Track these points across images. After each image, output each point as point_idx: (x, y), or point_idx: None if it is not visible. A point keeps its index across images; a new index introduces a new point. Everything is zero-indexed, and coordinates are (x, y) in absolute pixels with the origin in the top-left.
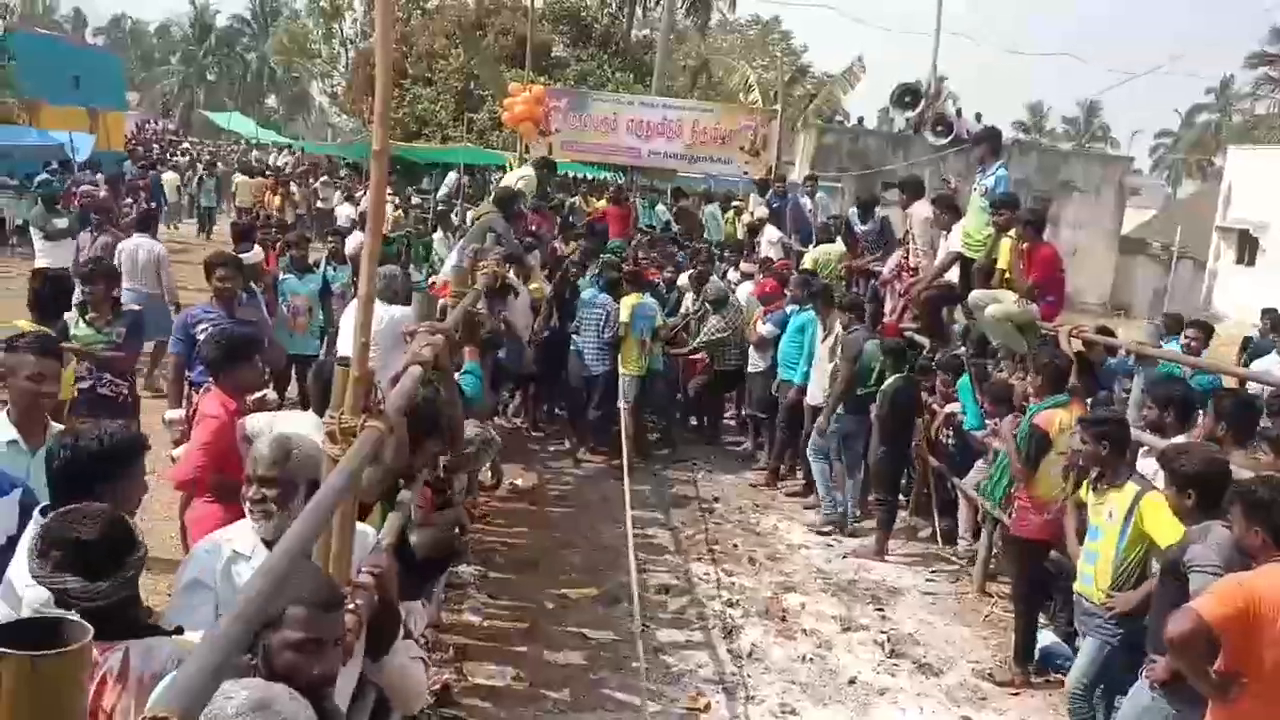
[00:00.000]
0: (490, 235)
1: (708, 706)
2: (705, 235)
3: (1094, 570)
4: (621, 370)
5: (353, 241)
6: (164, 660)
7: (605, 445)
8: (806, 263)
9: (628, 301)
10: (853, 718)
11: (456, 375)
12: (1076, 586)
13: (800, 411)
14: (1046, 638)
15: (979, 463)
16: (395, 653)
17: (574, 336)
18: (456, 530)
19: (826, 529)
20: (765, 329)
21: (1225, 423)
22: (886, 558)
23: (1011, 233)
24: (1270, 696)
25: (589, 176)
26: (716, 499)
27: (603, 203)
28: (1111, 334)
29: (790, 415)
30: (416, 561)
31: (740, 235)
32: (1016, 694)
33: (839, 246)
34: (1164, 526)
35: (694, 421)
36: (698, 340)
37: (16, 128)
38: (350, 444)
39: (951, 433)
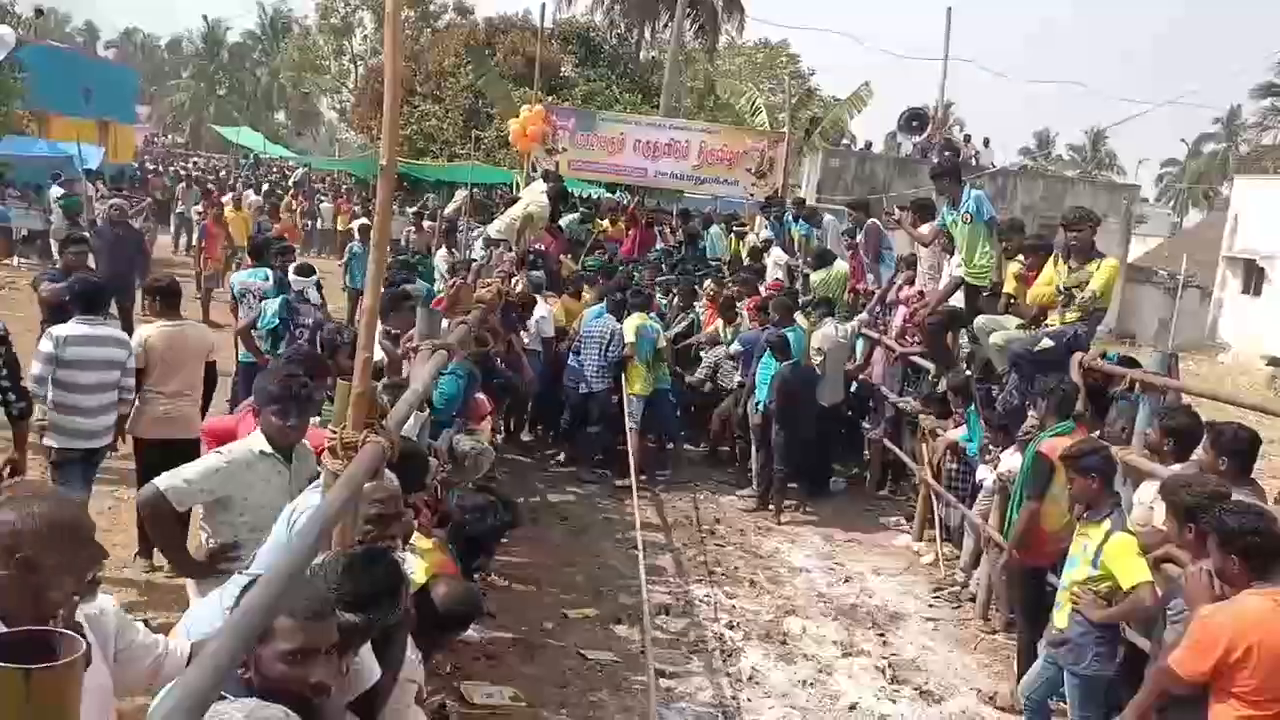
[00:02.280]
0: (494, 250)
1: None
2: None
3: (1065, 599)
4: (627, 392)
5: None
6: None
7: (599, 464)
8: (813, 283)
9: (632, 323)
10: None
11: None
12: (1054, 616)
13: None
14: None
15: (982, 492)
16: (403, 713)
17: (571, 355)
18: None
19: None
20: (734, 347)
21: (1225, 457)
22: (886, 580)
23: (1018, 258)
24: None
25: (594, 196)
26: (718, 520)
27: (606, 223)
28: (1136, 363)
29: (762, 435)
30: (438, 614)
31: (744, 256)
32: None
33: (840, 267)
34: (1127, 567)
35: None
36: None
37: (26, 139)
38: (351, 459)
39: (956, 460)
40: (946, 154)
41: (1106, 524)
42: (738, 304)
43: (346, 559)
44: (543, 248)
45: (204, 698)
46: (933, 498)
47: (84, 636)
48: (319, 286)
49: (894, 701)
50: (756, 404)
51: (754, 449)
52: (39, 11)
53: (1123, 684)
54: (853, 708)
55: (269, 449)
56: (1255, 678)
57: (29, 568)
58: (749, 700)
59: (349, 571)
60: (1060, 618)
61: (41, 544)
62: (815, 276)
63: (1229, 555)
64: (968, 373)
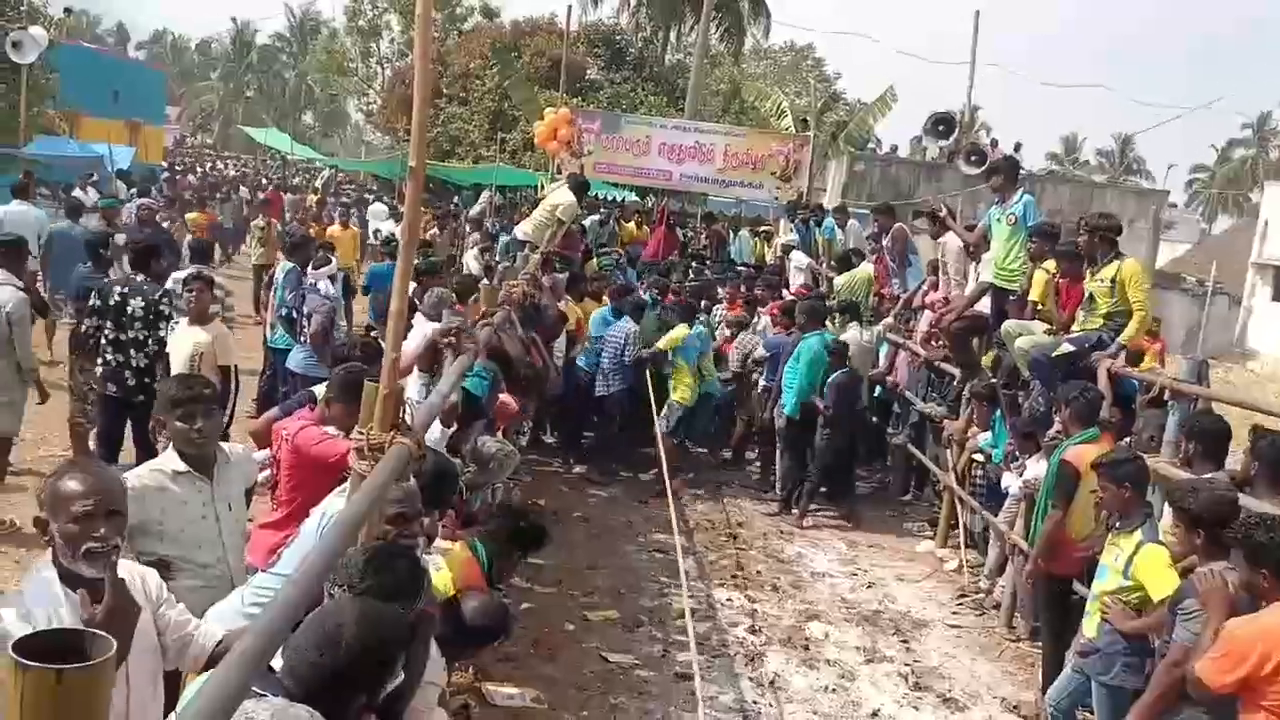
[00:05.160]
0: (521, 255)
1: None
2: (731, 257)
3: (1094, 608)
4: (671, 397)
5: None
6: None
7: (616, 468)
8: (837, 285)
9: (674, 337)
10: None
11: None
12: (1083, 625)
13: (797, 435)
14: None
15: (1008, 499)
16: (426, 714)
17: (584, 356)
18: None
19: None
20: (759, 351)
21: (1260, 464)
22: (909, 586)
23: (1047, 264)
24: None
25: (618, 199)
26: (740, 524)
27: (632, 225)
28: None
29: (789, 439)
30: (467, 626)
31: (770, 259)
32: None
33: (865, 270)
34: (1158, 579)
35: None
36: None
37: (57, 139)
38: (378, 460)
39: (981, 467)
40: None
41: (1138, 534)
42: (760, 308)
43: (367, 553)
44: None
45: (233, 696)
46: (956, 504)
47: (130, 593)
48: (336, 280)
49: (917, 709)
50: (782, 408)
51: (779, 453)
52: (68, 10)
53: None
54: (875, 714)
55: (182, 465)
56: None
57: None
58: (771, 705)
59: (370, 566)
60: (1089, 627)
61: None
62: (839, 279)
63: (1258, 570)
64: (993, 380)
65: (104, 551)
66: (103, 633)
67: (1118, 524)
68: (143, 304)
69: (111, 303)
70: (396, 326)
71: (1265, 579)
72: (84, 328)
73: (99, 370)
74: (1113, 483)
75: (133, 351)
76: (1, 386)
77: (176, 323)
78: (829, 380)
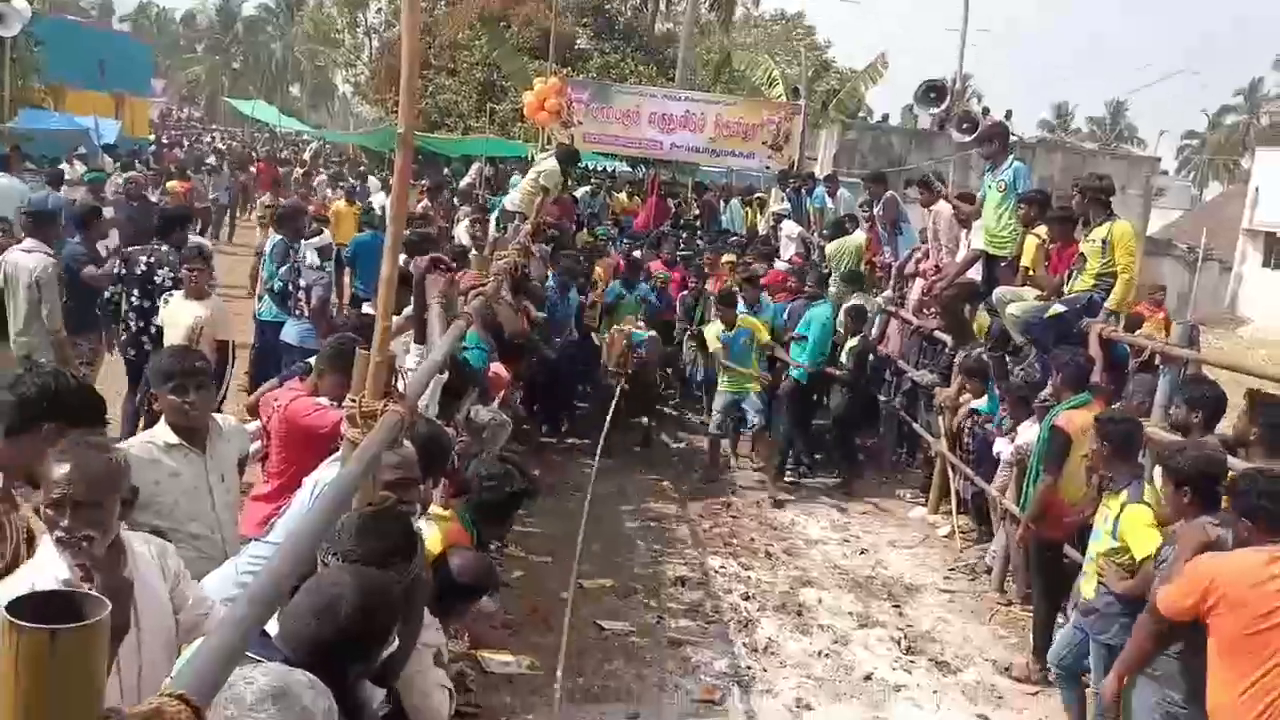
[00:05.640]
0: (511, 226)
1: (722, 698)
2: (723, 228)
3: (1091, 570)
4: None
5: None
6: None
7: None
8: (829, 253)
9: (710, 331)
10: (868, 714)
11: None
12: (1081, 586)
13: (800, 402)
14: None
15: (1001, 465)
16: (423, 675)
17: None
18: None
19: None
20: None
21: (1261, 429)
22: (901, 552)
23: (1038, 230)
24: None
25: (609, 169)
26: (734, 492)
27: (623, 196)
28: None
29: (794, 405)
30: (455, 584)
31: (762, 228)
32: (1034, 693)
33: (856, 238)
34: (1139, 538)
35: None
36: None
37: (41, 111)
38: (370, 428)
39: (972, 434)
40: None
41: (1124, 495)
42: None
43: (360, 519)
44: (551, 219)
45: (228, 659)
46: (949, 470)
47: (122, 574)
48: (322, 252)
49: (909, 672)
50: (787, 373)
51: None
52: None
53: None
54: (868, 678)
55: (174, 438)
56: (1225, 623)
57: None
58: (765, 670)
59: (363, 531)
60: (1087, 588)
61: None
62: (830, 246)
63: (1241, 519)
64: (983, 350)
65: (70, 541)
66: (97, 594)
67: (1109, 485)
68: (171, 275)
69: (138, 271)
70: (387, 294)
71: (1244, 526)
72: (109, 295)
73: (122, 336)
74: (1098, 438)
75: (153, 318)
76: (37, 350)
77: (170, 295)
78: (849, 347)
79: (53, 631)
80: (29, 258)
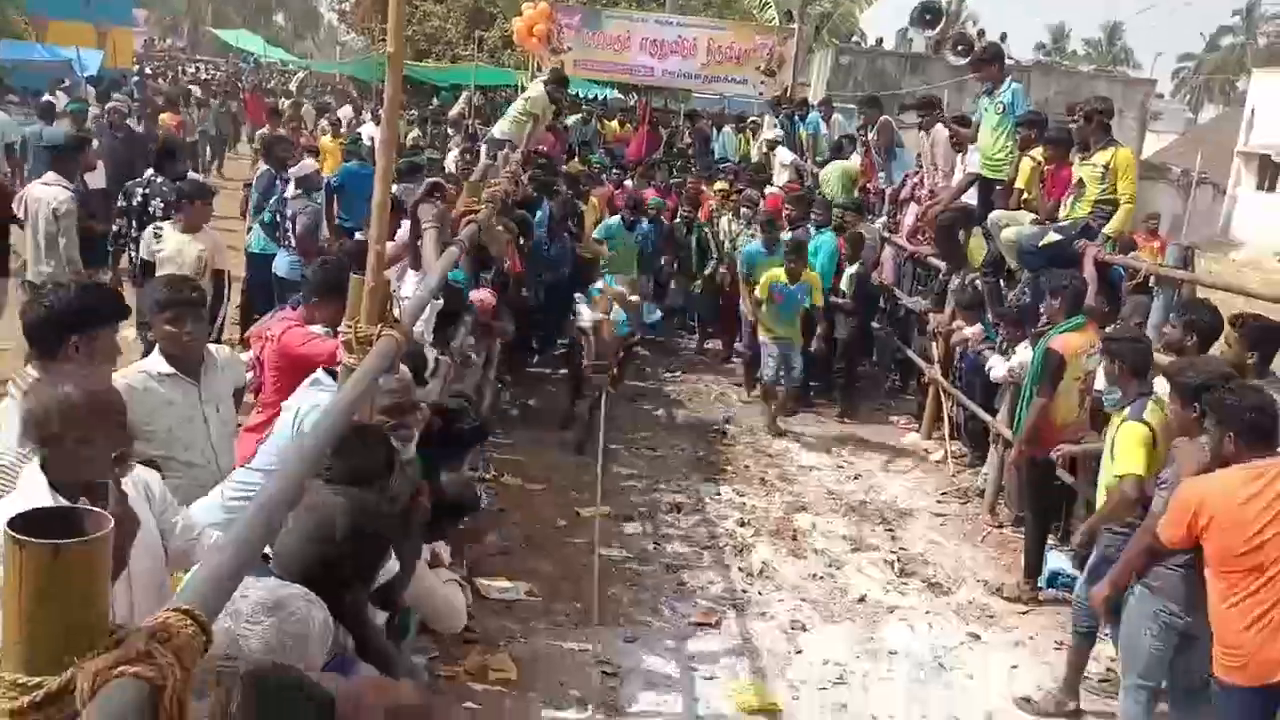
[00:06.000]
0: (501, 154)
1: (719, 621)
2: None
3: (1105, 493)
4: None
5: None
6: None
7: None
8: (822, 178)
9: (766, 278)
10: (862, 634)
11: None
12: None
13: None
14: (1057, 560)
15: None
16: (422, 578)
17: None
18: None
19: None
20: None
21: (1252, 349)
22: (894, 477)
23: (1034, 152)
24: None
25: (601, 97)
26: (728, 420)
27: (615, 124)
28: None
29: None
30: (446, 502)
31: (755, 156)
32: (1025, 611)
33: (849, 163)
34: (1122, 455)
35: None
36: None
37: (24, 43)
38: (366, 353)
39: (964, 358)
40: (961, 48)
41: (1126, 412)
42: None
43: (339, 438)
44: (545, 148)
45: (230, 577)
46: (941, 396)
47: (131, 506)
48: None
49: (903, 594)
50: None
51: None
52: None
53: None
54: (862, 599)
55: (168, 368)
56: (1214, 544)
57: (58, 442)
58: (760, 593)
59: (341, 450)
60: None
61: (69, 422)
62: (823, 172)
63: (1225, 433)
64: (977, 281)
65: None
66: (97, 509)
67: (1119, 402)
68: (163, 204)
69: (135, 203)
70: (380, 219)
71: (1232, 441)
72: (116, 228)
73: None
74: (1106, 356)
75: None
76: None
77: (160, 227)
78: (848, 274)
79: (56, 546)
80: (49, 190)
